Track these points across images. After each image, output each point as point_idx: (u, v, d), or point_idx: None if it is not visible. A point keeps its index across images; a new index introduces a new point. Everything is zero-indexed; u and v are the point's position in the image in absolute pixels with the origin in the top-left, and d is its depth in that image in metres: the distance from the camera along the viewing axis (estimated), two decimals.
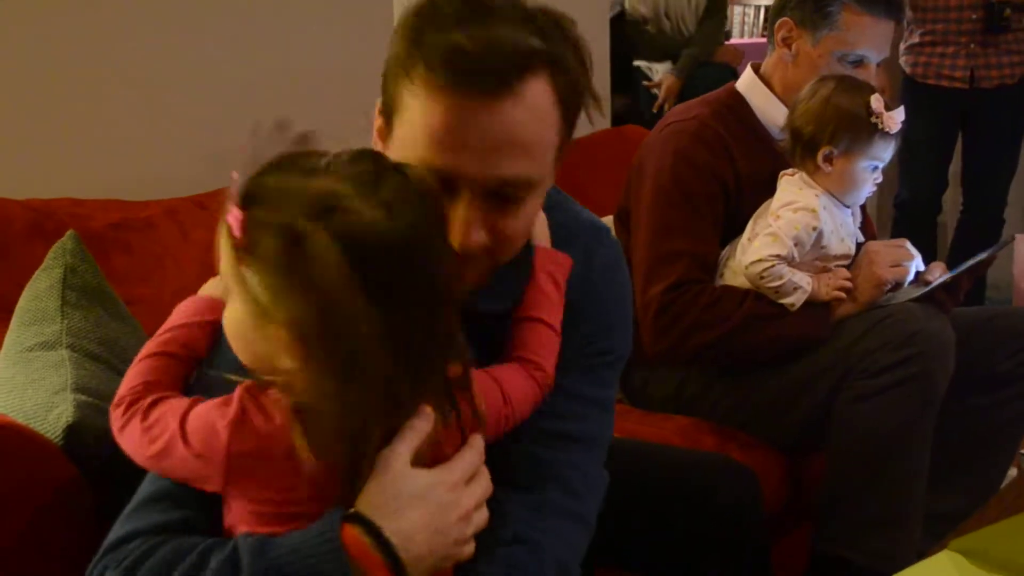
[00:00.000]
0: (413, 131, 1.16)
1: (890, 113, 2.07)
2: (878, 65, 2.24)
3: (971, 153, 4.01)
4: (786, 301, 2.09)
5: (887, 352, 1.99)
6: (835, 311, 2.11)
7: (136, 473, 1.19)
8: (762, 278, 2.08)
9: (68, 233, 1.74)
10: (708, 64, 4.40)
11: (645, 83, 4.32)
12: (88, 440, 1.45)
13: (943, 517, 2.13)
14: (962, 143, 4.01)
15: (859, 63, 2.20)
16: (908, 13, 3.92)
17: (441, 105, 1.14)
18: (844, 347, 2.05)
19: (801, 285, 2.09)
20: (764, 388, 2.15)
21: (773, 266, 2.07)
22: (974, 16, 3.79)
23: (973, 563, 1.56)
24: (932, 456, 2.10)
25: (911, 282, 2.18)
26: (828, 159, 2.10)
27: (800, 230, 2.08)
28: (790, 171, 2.15)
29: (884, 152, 2.10)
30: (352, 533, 1.06)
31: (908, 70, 3.97)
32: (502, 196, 1.19)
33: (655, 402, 2.27)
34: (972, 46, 3.82)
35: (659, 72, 4.30)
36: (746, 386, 2.17)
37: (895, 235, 3.97)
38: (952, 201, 4.14)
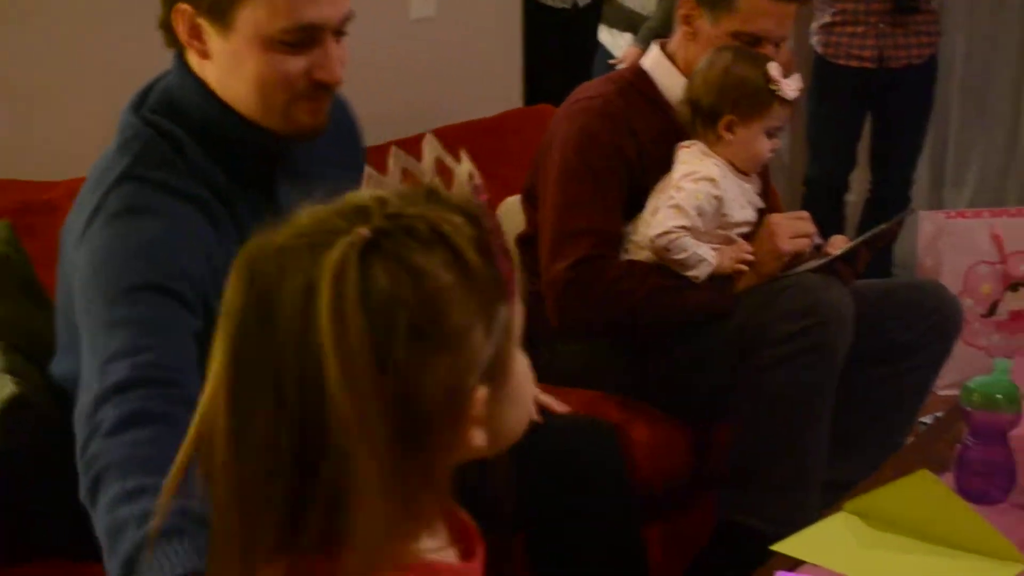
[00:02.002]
0: (277, 10, 1.40)
1: (787, 80, 2.11)
2: (776, 46, 2.26)
3: (879, 132, 4.07)
4: (691, 273, 2.12)
5: (788, 322, 2.03)
6: (737, 283, 2.14)
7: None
8: (667, 250, 2.10)
9: (1, 223, 1.73)
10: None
11: (610, 61, 4.32)
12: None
13: (845, 485, 2.17)
14: (871, 122, 4.07)
15: (757, 44, 2.21)
16: None
17: None
18: (746, 318, 2.08)
19: (706, 258, 2.12)
20: (669, 360, 2.18)
21: (678, 238, 2.10)
22: None
23: (866, 522, 1.61)
24: (835, 425, 2.15)
25: (811, 254, 2.22)
26: (730, 128, 2.13)
27: (702, 199, 2.11)
28: (687, 143, 2.18)
29: (780, 119, 2.15)
30: None
31: (819, 50, 4.01)
32: (339, 33, 1.49)
33: (563, 377, 2.28)
34: (881, 26, 3.87)
35: (622, 48, 4.29)
36: (652, 359, 2.20)
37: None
38: (861, 180, 4.21)
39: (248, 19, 1.43)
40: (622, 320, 2.15)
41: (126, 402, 1.31)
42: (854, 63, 3.93)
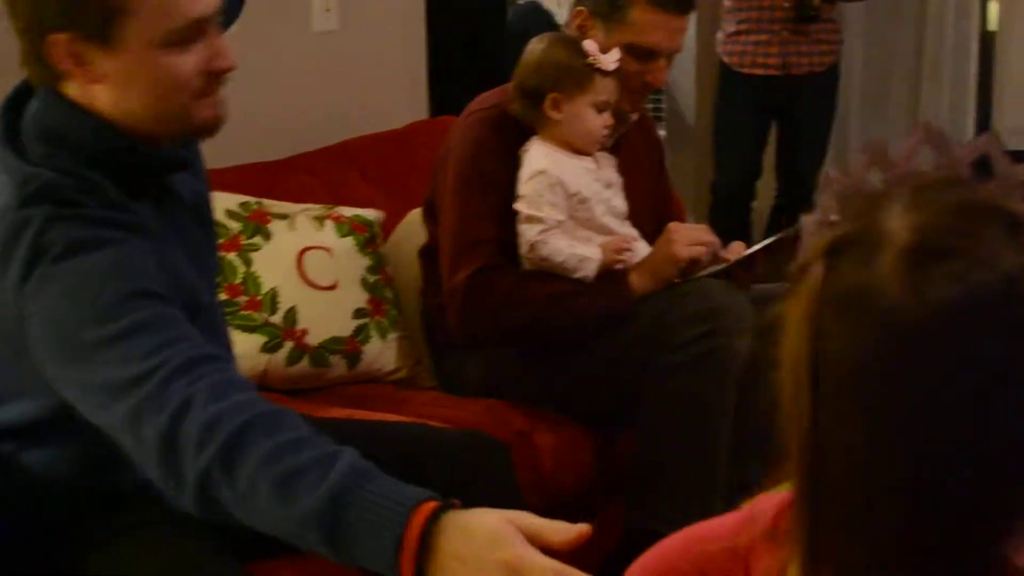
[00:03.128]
0: (160, 12, 1.40)
1: (604, 55, 2.14)
2: (668, 59, 2.29)
3: (784, 140, 4.14)
4: (579, 275, 2.14)
5: (688, 327, 2.05)
6: (635, 289, 2.16)
7: None
8: (545, 260, 2.13)
9: None
10: None
11: None
12: None
13: (749, 486, 2.20)
14: (776, 130, 4.14)
15: (649, 56, 2.24)
16: (725, 3, 4.03)
17: None
18: (647, 324, 2.10)
19: (587, 255, 2.15)
20: (573, 367, 2.19)
21: (547, 244, 2.12)
22: (785, 5, 3.91)
23: None
24: (738, 428, 2.18)
25: (710, 262, 2.24)
26: (556, 105, 2.16)
27: (545, 193, 2.13)
28: (525, 147, 2.20)
29: (605, 91, 2.16)
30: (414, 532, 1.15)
31: (725, 59, 4.07)
32: (218, 23, 1.48)
33: (469, 387, 2.29)
34: (784, 34, 3.94)
35: None
36: (555, 366, 2.21)
37: (711, 220, 4.09)
38: (767, 187, 4.27)
39: (132, 31, 1.40)
40: (523, 328, 2.16)
41: (205, 375, 1.29)
42: (758, 71, 3.99)
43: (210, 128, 1.53)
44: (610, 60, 2.15)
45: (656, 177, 2.54)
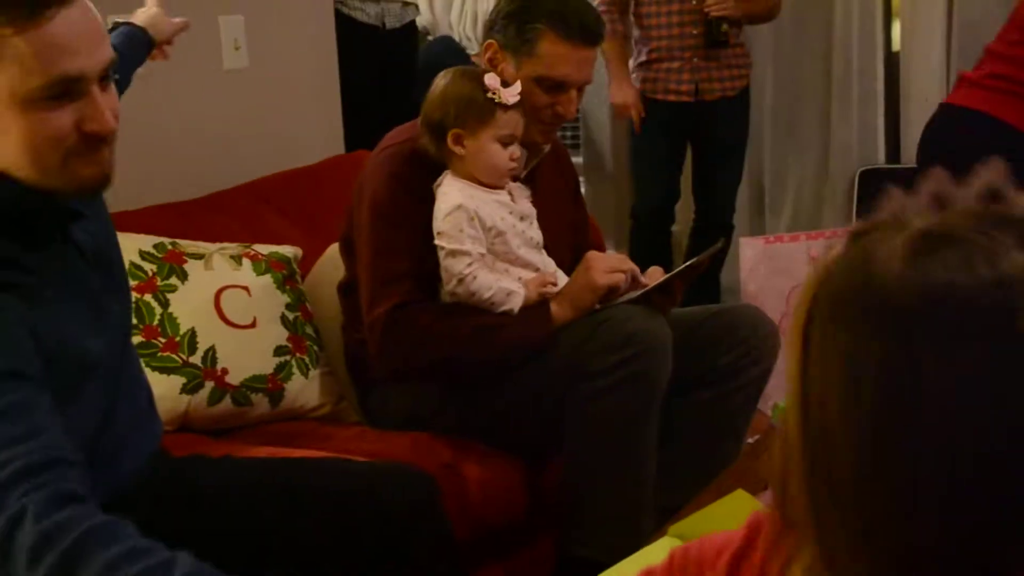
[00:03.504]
0: (27, 68, 1.34)
1: (505, 88, 2.15)
2: (579, 90, 2.31)
3: (699, 164, 4.19)
4: (504, 309, 2.14)
5: (608, 354, 2.06)
6: (555, 318, 2.17)
7: None
8: (473, 294, 2.13)
9: None
10: None
11: None
12: None
13: (677, 509, 2.21)
14: (691, 154, 4.19)
15: (559, 88, 2.25)
16: (636, 32, 4.08)
17: (43, 28, 1.34)
18: (568, 352, 2.11)
19: (512, 288, 2.15)
20: (497, 399, 2.19)
21: (474, 279, 2.12)
22: (695, 32, 3.96)
23: None
24: (665, 451, 2.19)
25: (628, 287, 2.26)
26: (458, 140, 2.16)
27: (464, 226, 2.13)
28: (438, 181, 2.21)
29: (508, 125, 2.17)
30: None
31: (638, 86, 4.12)
32: (105, 78, 1.43)
33: (394, 421, 2.28)
34: (695, 60, 3.99)
35: None
36: (480, 397, 2.21)
37: (631, 245, 4.13)
38: (686, 210, 4.32)
39: (1, 83, 1.35)
40: (444, 362, 2.15)
41: (45, 484, 1.26)
42: (672, 97, 4.03)
43: (94, 186, 1.47)
44: (511, 94, 2.15)
45: (572, 205, 2.55)
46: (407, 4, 4.06)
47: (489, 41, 2.31)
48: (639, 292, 2.22)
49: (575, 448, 2.11)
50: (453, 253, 2.13)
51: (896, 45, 4.42)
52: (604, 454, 2.07)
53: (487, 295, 2.13)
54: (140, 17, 2.16)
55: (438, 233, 2.14)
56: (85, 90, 1.39)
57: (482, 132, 2.15)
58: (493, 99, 2.14)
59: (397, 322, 2.14)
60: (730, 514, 1.58)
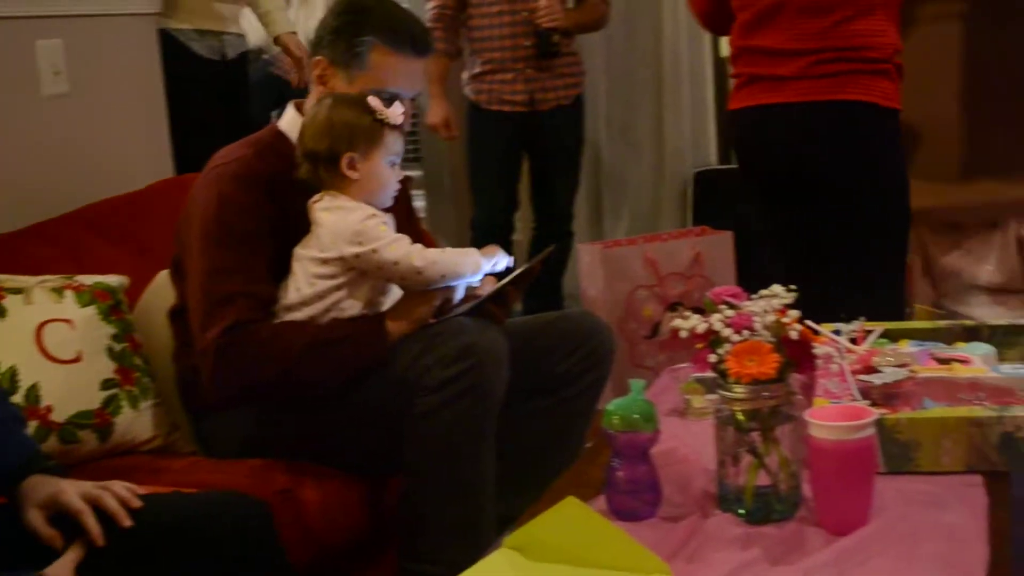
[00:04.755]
0: None
1: (390, 109, 2.17)
2: (412, 100, 2.32)
3: (537, 173, 4.24)
4: (467, 271, 2.19)
5: (443, 367, 2.06)
6: (390, 333, 2.15)
7: None
8: (431, 265, 2.13)
9: None
10: None
11: None
12: None
13: (512, 519, 2.22)
14: (528, 163, 4.23)
15: (391, 101, 2.25)
16: (468, 45, 4.11)
17: None
18: (403, 367, 2.10)
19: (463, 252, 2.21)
20: (334, 418, 2.16)
21: (422, 249, 2.14)
22: (527, 43, 4.01)
23: (524, 556, 1.64)
24: (506, 461, 2.20)
25: (463, 298, 2.26)
26: (352, 165, 2.16)
27: (381, 225, 2.15)
28: (316, 197, 2.19)
29: (396, 145, 2.20)
30: None
31: (472, 98, 4.14)
32: None
33: (230, 449, 2.24)
34: (528, 71, 4.04)
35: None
36: (316, 419, 2.18)
37: None
38: (526, 219, 4.36)
39: None
40: (279, 382, 2.12)
41: None
42: (507, 108, 4.08)
43: None
44: (396, 114, 2.17)
45: (408, 220, 2.55)
46: (240, 36, 4.02)
47: (318, 58, 2.29)
48: (473, 303, 2.23)
49: (413, 464, 2.10)
50: (388, 245, 2.11)
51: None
52: (441, 469, 2.07)
53: (442, 260, 2.14)
54: None
55: (358, 242, 2.11)
56: None
57: (374, 154, 2.17)
58: (381, 120, 2.15)
59: (230, 344, 2.10)
60: (564, 522, 1.59)
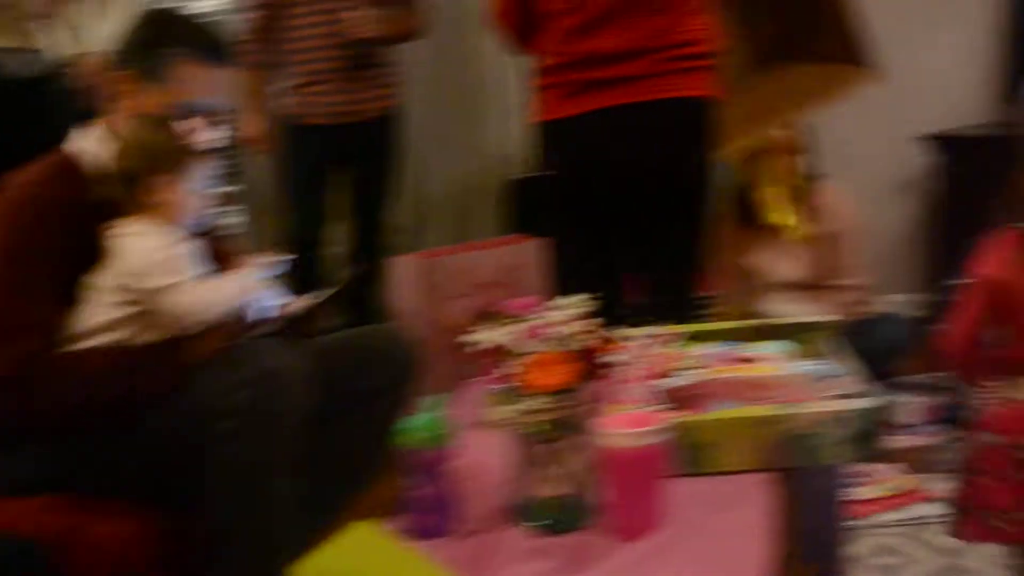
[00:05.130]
0: None
1: (194, 132, 2.15)
2: (226, 114, 2.28)
3: (352, 185, 4.20)
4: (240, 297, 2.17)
5: (240, 391, 2.00)
6: (187, 356, 2.10)
7: None
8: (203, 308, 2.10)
9: None
10: None
11: None
12: None
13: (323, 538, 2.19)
14: (344, 176, 4.19)
15: (201, 114, 2.21)
16: (282, 57, 4.05)
17: None
18: (200, 391, 2.04)
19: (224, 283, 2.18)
20: (129, 448, 2.08)
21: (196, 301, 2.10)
22: (340, 55, 3.98)
23: None
24: (315, 483, 2.16)
25: (267, 319, 2.22)
26: (154, 189, 2.12)
27: (183, 256, 2.13)
28: (114, 223, 2.13)
29: (199, 169, 2.17)
30: None
31: (285, 111, 4.09)
32: None
33: (22, 487, 2.13)
34: (342, 83, 4.01)
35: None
36: (106, 451, 2.10)
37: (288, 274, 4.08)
38: (341, 232, 4.31)
39: None
40: (79, 412, 2.05)
41: None
42: (322, 120, 4.05)
43: None
44: (199, 138, 2.15)
45: (214, 242, 2.49)
46: (38, 51, 3.91)
47: (122, 72, 2.23)
48: (276, 325, 2.18)
49: (210, 491, 2.04)
50: (174, 287, 2.08)
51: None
52: (237, 495, 2.01)
53: (213, 296, 2.12)
54: None
55: (147, 274, 2.07)
56: None
57: (175, 179, 2.13)
58: (183, 145, 2.13)
59: (20, 376, 2.02)
60: (355, 546, 1.58)
